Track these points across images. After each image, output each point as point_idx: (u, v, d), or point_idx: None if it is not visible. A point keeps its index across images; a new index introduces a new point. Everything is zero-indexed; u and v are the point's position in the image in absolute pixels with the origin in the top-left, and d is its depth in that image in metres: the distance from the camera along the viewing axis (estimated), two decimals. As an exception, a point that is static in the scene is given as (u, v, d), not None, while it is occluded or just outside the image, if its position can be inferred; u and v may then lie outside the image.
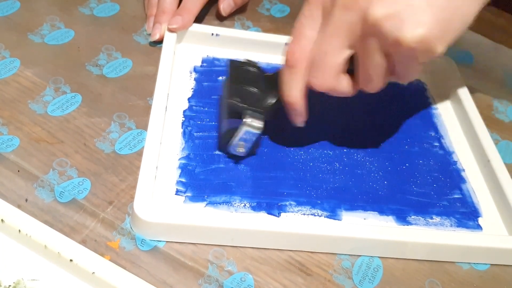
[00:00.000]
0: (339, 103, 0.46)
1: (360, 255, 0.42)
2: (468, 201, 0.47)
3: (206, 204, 0.42)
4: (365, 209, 0.45)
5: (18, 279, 0.36)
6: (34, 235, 0.37)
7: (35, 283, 0.36)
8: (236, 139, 0.43)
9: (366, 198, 0.45)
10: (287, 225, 0.41)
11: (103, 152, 0.45)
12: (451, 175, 0.49)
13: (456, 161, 0.50)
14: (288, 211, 0.43)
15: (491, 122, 0.56)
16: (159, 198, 0.42)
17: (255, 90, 0.44)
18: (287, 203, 0.44)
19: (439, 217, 0.45)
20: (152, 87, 0.50)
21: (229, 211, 0.42)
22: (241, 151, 0.44)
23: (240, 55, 0.54)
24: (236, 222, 0.40)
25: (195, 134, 0.47)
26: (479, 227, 0.45)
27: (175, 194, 0.42)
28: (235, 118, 0.43)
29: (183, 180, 0.43)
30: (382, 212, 0.45)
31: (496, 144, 0.54)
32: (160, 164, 0.43)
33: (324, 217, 0.43)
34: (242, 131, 0.43)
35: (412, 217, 0.45)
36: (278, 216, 0.43)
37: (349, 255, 0.42)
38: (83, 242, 0.39)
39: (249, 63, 0.46)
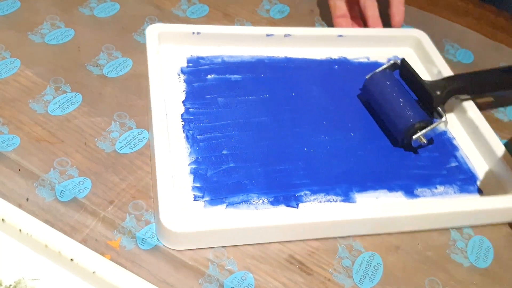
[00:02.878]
0: (327, 87, 0.52)
1: (360, 254, 0.42)
2: (464, 168, 0.50)
3: (226, 206, 0.42)
4: (375, 188, 0.46)
5: (19, 278, 0.36)
6: (34, 234, 0.37)
7: (36, 282, 0.36)
8: (425, 132, 0.48)
9: (374, 178, 0.47)
10: (311, 215, 0.42)
11: (103, 152, 0.45)
12: (444, 145, 0.51)
13: (446, 131, 0.52)
14: (305, 201, 0.44)
15: (490, 121, 0.56)
16: (179, 206, 0.42)
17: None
18: (302, 193, 0.44)
19: (443, 186, 0.48)
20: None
21: (250, 210, 0.43)
22: (423, 142, 0.48)
23: (224, 51, 0.54)
24: (263, 219, 0.41)
25: (198, 137, 0.47)
26: (479, 191, 0.48)
27: (194, 200, 0.42)
28: (425, 111, 0.49)
29: (198, 185, 0.43)
30: (391, 189, 0.46)
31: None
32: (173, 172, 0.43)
33: (340, 201, 0.45)
34: (433, 127, 0.48)
35: (419, 190, 0.47)
36: (297, 207, 0.43)
37: (348, 254, 0.42)
38: (84, 241, 0.39)
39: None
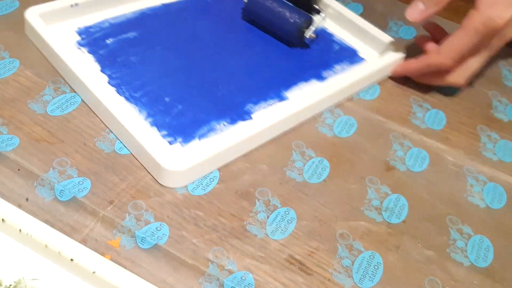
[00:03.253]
0: (212, 19, 0.60)
1: (360, 254, 0.42)
2: (345, 47, 0.60)
3: (199, 139, 0.46)
4: (295, 83, 0.54)
5: (19, 278, 0.36)
6: (34, 234, 0.37)
7: (36, 283, 0.36)
8: (313, 29, 0.57)
9: (291, 76, 0.55)
10: (266, 119, 0.48)
11: (103, 152, 0.45)
12: (324, 35, 0.61)
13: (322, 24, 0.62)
14: (254, 112, 0.50)
15: (490, 121, 0.56)
16: (163, 151, 0.43)
17: None
18: (248, 107, 0.51)
19: (339, 65, 0.58)
20: (151, 87, 0.50)
21: (218, 134, 0.47)
22: (314, 37, 0.57)
23: (106, 15, 0.56)
24: (242, 133, 0.46)
25: (136, 95, 0.49)
26: (362, 59, 0.59)
27: (170, 144, 0.45)
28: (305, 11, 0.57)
29: (165, 132, 0.46)
30: (306, 79, 0.55)
31: (495, 143, 0.54)
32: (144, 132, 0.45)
33: (277, 102, 0.52)
34: (318, 23, 0.58)
35: (325, 73, 0.56)
36: (251, 118, 0.50)
37: (348, 254, 0.42)
38: (84, 241, 0.39)
39: None
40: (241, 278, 0.39)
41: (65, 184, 0.42)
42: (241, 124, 0.49)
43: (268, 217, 0.43)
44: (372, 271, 0.42)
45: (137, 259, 0.39)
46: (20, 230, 0.37)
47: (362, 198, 0.47)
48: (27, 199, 0.40)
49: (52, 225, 0.39)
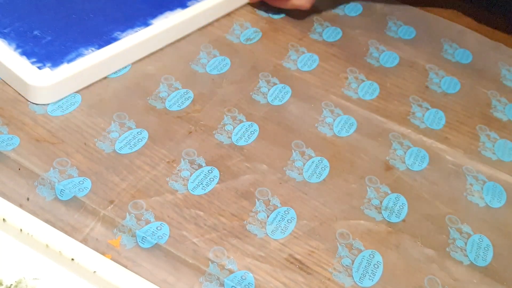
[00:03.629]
0: None
1: (360, 253, 0.42)
2: None
3: (68, 63, 0.48)
4: (161, 12, 0.56)
5: (19, 278, 0.36)
6: (35, 234, 0.37)
7: (37, 282, 0.36)
8: None
9: (153, 6, 0.56)
10: (135, 36, 0.52)
11: (103, 152, 0.45)
12: None
13: None
14: (121, 38, 0.52)
15: (489, 120, 0.56)
16: (32, 73, 0.46)
17: None
18: (115, 35, 0.52)
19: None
20: (152, 87, 0.50)
21: (85, 57, 0.49)
22: None
23: None
24: (105, 54, 0.50)
25: (5, 31, 0.50)
26: None
27: (40, 69, 0.47)
28: None
29: (34, 59, 0.48)
30: (184, 6, 0.57)
31: (494, 142, 0.54)
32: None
33: (144, 28, 0.54)
34: None
35: (190, 2, 0.58)
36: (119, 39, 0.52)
37: (348, 253, 0.42)
38: (85, 241, 0.39)
39: None
40: (241, 277, 0.39)
41: (66, 184, 0.42)
42: (106, 48, 0.51)
43: (268, 216, 0.43)
44: (372, 270, 0.42)
45: (138, 258, 0.39)
46: (21, 230, 0.37)
47: (362, 197, 0.47)
48: (28, 199, 0.41)
49: (53, 225, 0.39)
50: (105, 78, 0.51)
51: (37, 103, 0.47)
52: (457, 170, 0.51)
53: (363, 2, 0.69)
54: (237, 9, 0.62)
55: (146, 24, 0.54)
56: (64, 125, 0.46)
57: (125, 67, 0.52)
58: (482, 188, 0.50)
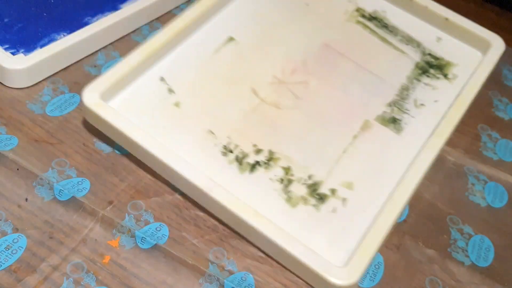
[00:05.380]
0: None
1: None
2: None
3: (41, 48, 0.49)
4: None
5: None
6: None
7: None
8: None
9: None
10: (108, 19, 0.53)
11: (102, 152, 0.45)
12: None
13: None
14: (93, 22, 0.52)
15: (491, 120, 0.56)
16: (6, 58, 0.47)
17: None
18: (85, 20, 0.53)
19: None
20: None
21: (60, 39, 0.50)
22: None
23: None
24: (77, 38, 0.50)
25: None
26: None
27: (13, 54, 0.48)
28: None
29: (7, 45, 0.49)
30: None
31: (495, 142, 0.54)
32: None
33: (111, 13, 0.54)
34: None
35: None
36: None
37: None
38: (83, 242, 0.39)
39: None
40: (242, 278, 0.39)
41: (64, 184, 0.41)
42: (78, 32, 0.51)
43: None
44: (373, 271, 0.42)
45: (137, 259, 0.39)
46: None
47: (362, 197, 0.47)
48: (26, 199, 0.40)
49: (52, 226, 0.39)
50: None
51: (14, 86, 0.48)
52: (458, 170, 0.51)
53: None
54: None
55: (115, 8, 0.55)
56: (63, 126, 0.46)
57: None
58: (483, 188, 0.50)
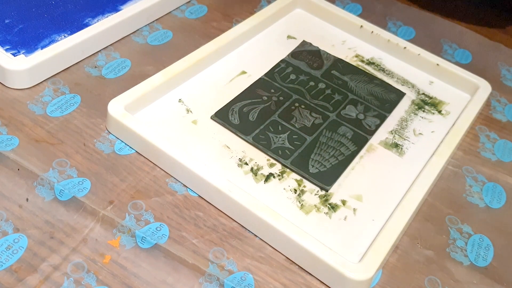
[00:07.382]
0: None
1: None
2: None
3: (42, 49, 0.50)
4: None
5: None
6: None
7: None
8: None
9: None
10: (106, 22, 0.54)
11: (102, 153, 0.45)
12: None
13: None
14: (93, 23, 0.54)
15: (489, 121, 0.56)
16: (7, 60, 0.48)
17: None
18: (86, 21, 0.54)
19: None
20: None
21: (59, 43, 0.51)
22: None
23: None
24: (78, 39, 0.51)
25: None
26: None
27: (15, 56, 0.49)
28: None
29: (8, 46, 0.49)
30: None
31: (493, 143, 0.54)
32: None
33: (112, 14, 0.55)
34: None
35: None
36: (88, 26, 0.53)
37: (349, 253, 0.42)
38: (84, 241, 0.39)
39: None
40: (241, 278, 0.39)
41: (65, 184, 0.42)
42: (78, 33, 0.52)
43: (268, 217, 0.43)
44: (372, 271, 0.42)
45: (137, 259, 0.39)
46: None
47: (361, 198, 0.47)
48: (27, 199, 0.40)
49: (53, 226, 0.39)
50: (104, 78, 0.51)
51: (15, 87, 0.48)
52: (456, 170, 0.51)
53: (363, 2, 0.69)
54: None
55: (115, 9, 0.56)
56: (64, 126, 0.46)
57: (124, 67, 0.52)
58: (481, 189, 0.50)
